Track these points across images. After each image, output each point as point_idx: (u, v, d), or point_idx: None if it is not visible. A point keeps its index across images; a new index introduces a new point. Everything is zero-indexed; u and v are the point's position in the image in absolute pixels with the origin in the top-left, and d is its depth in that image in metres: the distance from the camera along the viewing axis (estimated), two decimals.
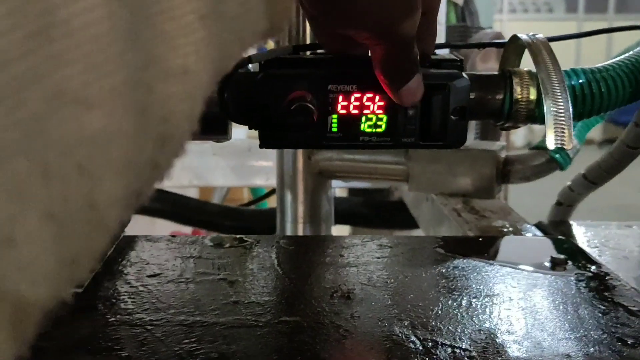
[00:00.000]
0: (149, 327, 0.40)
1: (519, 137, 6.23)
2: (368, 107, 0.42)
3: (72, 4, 0.15)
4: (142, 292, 0.45)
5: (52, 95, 0.15)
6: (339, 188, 1.38)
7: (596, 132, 6.38)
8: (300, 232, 0.88)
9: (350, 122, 0.42)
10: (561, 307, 0.44)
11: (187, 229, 1.65)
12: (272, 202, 1.16)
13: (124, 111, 0.17)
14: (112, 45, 0.16)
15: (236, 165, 1.25)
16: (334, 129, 0.42)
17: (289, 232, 0.89)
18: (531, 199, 2.00)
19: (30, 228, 0.15)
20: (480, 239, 0.61)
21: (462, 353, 0.37)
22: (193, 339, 0.38)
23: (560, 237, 0.62)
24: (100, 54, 0.16)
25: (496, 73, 0.46)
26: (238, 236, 0.58)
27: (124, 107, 0.17)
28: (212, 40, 0.21)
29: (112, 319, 0.41)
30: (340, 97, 0.41)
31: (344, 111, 0.42)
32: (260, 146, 0.43)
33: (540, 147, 0.84)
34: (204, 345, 0.38)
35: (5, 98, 0.14)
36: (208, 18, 0.20)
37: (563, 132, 0.42)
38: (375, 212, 1.15)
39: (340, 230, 1.44)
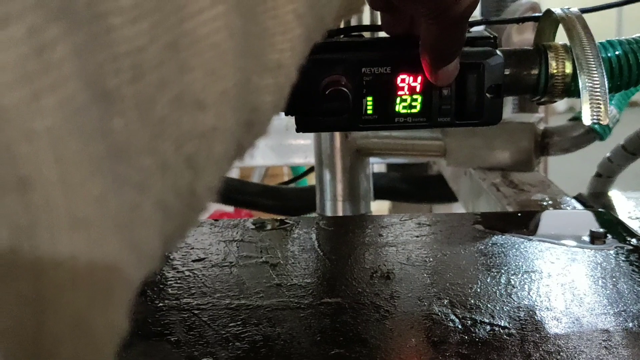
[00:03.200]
0: (196, 312, 0.41)
1: (560, 102, 6.10)
2: (402, 89, 0.42)
3: (198, 15, 0.17)
4: (188, 276, 0.47)
5: (175, 99, 0.17)
6: (377, 164, 1.38)
7: None
8: (339, 210, 0.89)
9: (385, 104, 0.42)
10: (600, 281, 0.44)
11: (230, 208, 1.68)
12: (312, 180, 1.17)
13: (230, 110, 0.19)
14: (228, 52, 0.18)
15: (275, 144, 1.26)
16: (370, 112, 0.43)
17: (328, 210, 0.90)
18: (572, 169, 1.97)
19: (146, 215, 0.17)
20: (519, 214, 0.61)
21: (501, 331, 0.38)
22: (238, 322, 0.40)
23: (600, 209, 0.62)
24: (218, 60, 0.18)
25: (531, 48, 0.46)
26: (279, 218, 0.59)
27: (231, 106, 0.19)
28: (305, 36, 0.22)
29: (161, 304, 0.43)
30: (375, 80, 0.42)
31: (378, 93, 0.42)
32: (297, 130, 0.44)
33: (579, 117, 0.83)
34: (249, 328, 0.39)
35: (140, 104, 0.16)
36: (305, 16, 0.22)
37: (599, 107, 0.42)
38: (415, 186, 1.15)
39: (379, 205, 1.44)
